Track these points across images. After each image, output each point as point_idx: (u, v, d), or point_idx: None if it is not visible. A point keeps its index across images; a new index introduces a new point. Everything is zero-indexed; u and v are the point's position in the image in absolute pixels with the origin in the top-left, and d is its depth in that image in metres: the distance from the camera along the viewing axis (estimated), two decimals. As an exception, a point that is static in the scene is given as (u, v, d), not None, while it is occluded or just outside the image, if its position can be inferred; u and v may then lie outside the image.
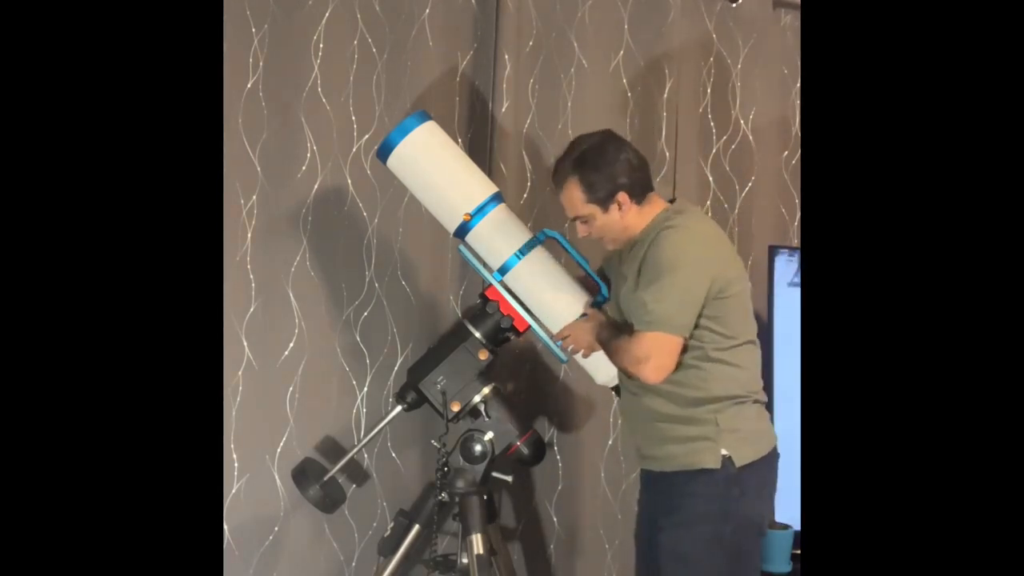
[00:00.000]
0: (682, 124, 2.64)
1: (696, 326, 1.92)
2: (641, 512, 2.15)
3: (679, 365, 1.92)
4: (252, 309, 2.29)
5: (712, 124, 2.73)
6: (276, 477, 2.31)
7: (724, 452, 1.92)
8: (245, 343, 2.28)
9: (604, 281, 2.16)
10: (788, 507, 2.25)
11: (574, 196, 1.99)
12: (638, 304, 1.92)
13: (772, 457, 2.00)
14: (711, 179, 2.73)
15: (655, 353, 1.88)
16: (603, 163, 1.97)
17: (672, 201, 2.07)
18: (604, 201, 1.98)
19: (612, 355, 1.99)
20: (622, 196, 1.97)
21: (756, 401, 2.00)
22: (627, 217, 1.99)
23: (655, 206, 2.02)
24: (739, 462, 1.92)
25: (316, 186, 2.33)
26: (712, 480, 1.92)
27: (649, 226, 1.99)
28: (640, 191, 2.00)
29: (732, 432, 1.93)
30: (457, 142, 2.29)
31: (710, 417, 1.93)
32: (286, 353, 2.32)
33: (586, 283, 2.17)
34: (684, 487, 1.95)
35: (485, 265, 2.15)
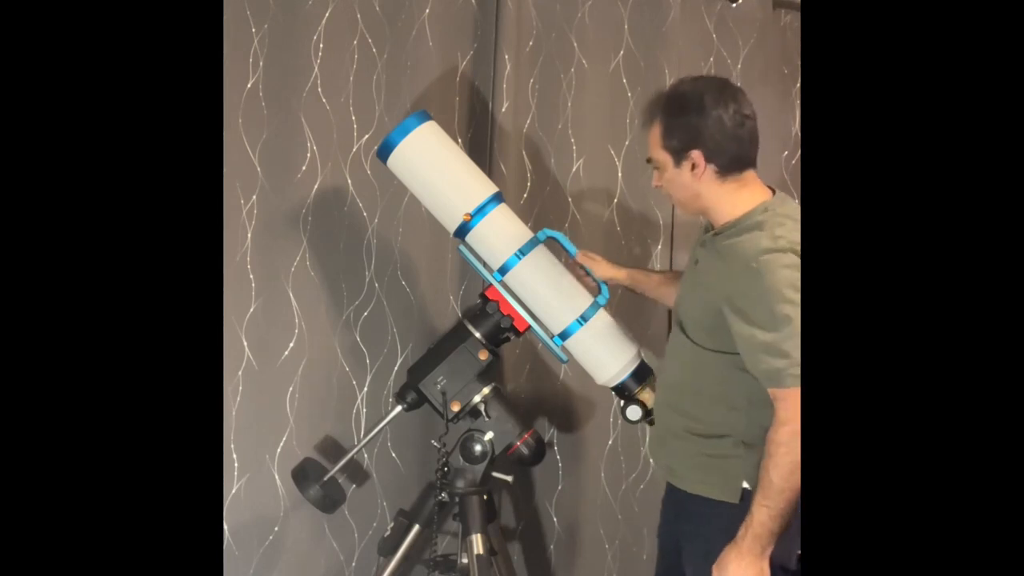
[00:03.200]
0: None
1: None
2: (664, 520, 2.00)
3: (724, 381, 1.75)
4: (252, 309, 2.29)
5: (712, 124, 2.73)
6: (276, 477, 2.31)
7: (745, 485, 1.73)
8: (245, 343, 2.28)
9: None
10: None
11: (653, 136, 1.80)
12: (755, 343, 1.64)
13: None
14: (711, 179, 2.72)
15: (797, 416, 1.56)
16: (691, 110, 1.74)
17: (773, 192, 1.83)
18: (677, 153, 1.76)
19: (792, 497, 1.63)
20: (697, 155, 1.73)
21: None
22: (702, 184, 1.76)
23: (753, 191, 1.78)
24: None
25: (316, 186, 2.33)
26: (733, 514, 1.72)
27: (743, 217, 1.75)
28: (728, 162, 1.74)
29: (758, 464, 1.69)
30: (457, 142, 2.29)
31: (736, 442, 1.76)
32: (286, 353, 2.32)
33: (586, 283, 2.17)
34: (704, 515, 1.79)
35: (485, 265, 2.15)
